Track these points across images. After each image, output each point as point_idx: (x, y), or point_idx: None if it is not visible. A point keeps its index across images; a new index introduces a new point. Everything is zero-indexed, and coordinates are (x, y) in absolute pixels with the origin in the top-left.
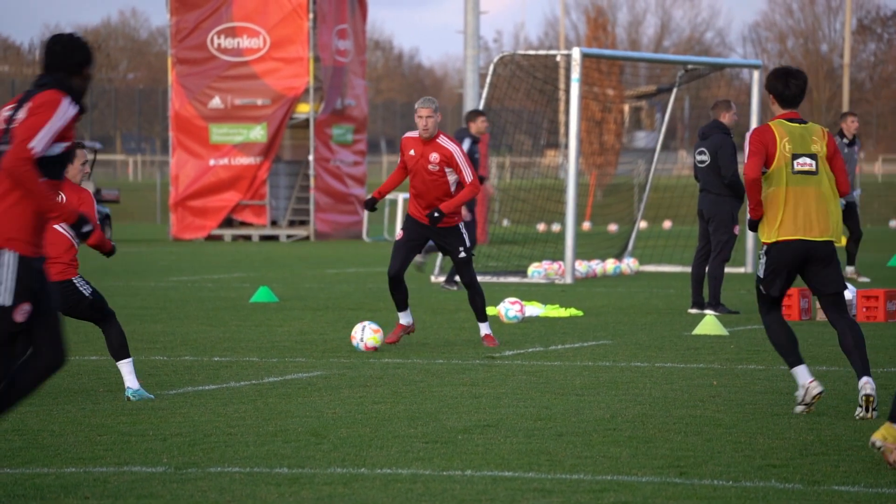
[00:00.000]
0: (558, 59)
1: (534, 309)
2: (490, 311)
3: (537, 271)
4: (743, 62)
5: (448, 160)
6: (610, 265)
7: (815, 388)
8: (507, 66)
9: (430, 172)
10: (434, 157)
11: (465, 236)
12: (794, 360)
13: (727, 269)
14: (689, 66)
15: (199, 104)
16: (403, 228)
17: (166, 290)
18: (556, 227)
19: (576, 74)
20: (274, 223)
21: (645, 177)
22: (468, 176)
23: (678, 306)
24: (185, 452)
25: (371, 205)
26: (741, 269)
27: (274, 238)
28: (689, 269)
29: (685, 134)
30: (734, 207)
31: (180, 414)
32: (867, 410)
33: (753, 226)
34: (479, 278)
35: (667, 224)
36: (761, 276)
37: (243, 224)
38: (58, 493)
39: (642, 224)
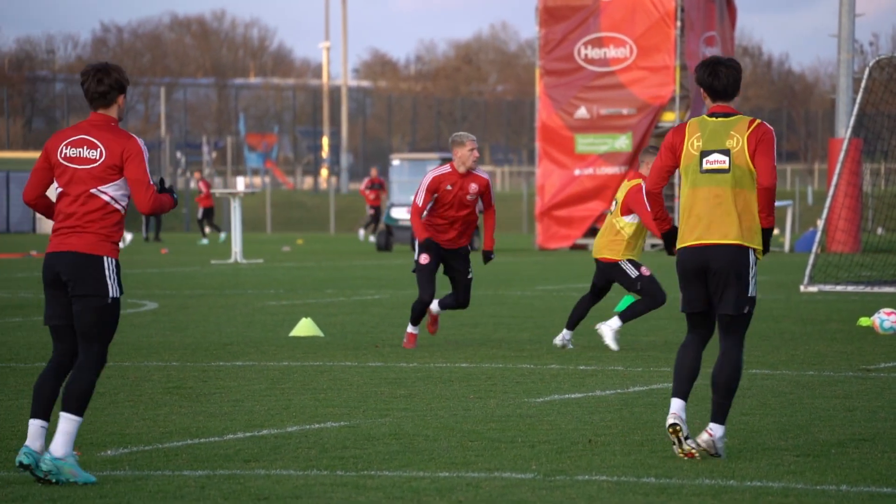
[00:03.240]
0: None
1: None
2: (864, 321)
3: None
4: None
5: (484, 189)
6: None
7: (669, 420)
8: (884, 70)
9: (466, 203)
10: (473, 187)
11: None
12: (675, 390)
13: None
14: None
15: (566, 114)
16: (428, 252)
17: (532, 300)
18: None
19: None
20: None
21: None
22: (493, 201)
23: None
24: (552, 460)
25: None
26: None
27: None
28: None
29: None
30: None
31: (547, 422)
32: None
33: (667, 242)
34: (852, 288)
35: None
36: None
37: None
38: (433, 496)
39: None
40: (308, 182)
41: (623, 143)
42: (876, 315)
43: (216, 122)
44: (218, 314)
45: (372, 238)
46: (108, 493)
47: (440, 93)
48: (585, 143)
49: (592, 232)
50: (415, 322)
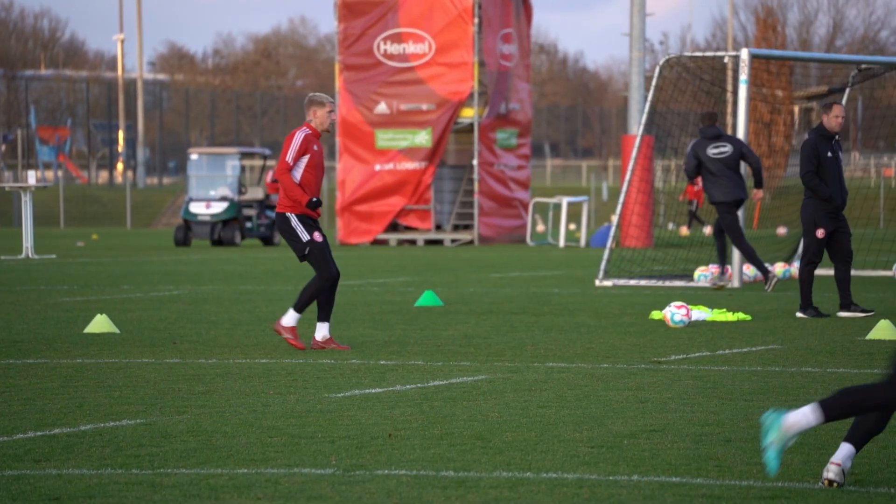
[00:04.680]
0: (726, 60)
1: (700, 313)
2: (656, 314)
3: (704, 275)
4: None
5: None
6: (779, 268)
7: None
8: (674, 69)
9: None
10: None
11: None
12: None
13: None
14: (863, 66)
15: (366, 110)
16: (319, 230)
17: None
18: None
19: (744, 76)
20: (438, 227)
21: None
22: None
23: None
24: (352, 455)
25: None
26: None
27: (438, 242)
28: (863, 273)
29: (858, 135)
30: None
31: (347, 416)
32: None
33: None
34: (644, 282)
35: None
36: None
37: (408, 228)
38: (231, 493)
39: None
40: (103, 176)
41: (423, 138)
42: (667, 308)
43: (5, 115)
44: (8, 310)
45: None
46: None
47: (239, 87)
48: (386, 139)
49: (393, 227)
50: (301, 309)
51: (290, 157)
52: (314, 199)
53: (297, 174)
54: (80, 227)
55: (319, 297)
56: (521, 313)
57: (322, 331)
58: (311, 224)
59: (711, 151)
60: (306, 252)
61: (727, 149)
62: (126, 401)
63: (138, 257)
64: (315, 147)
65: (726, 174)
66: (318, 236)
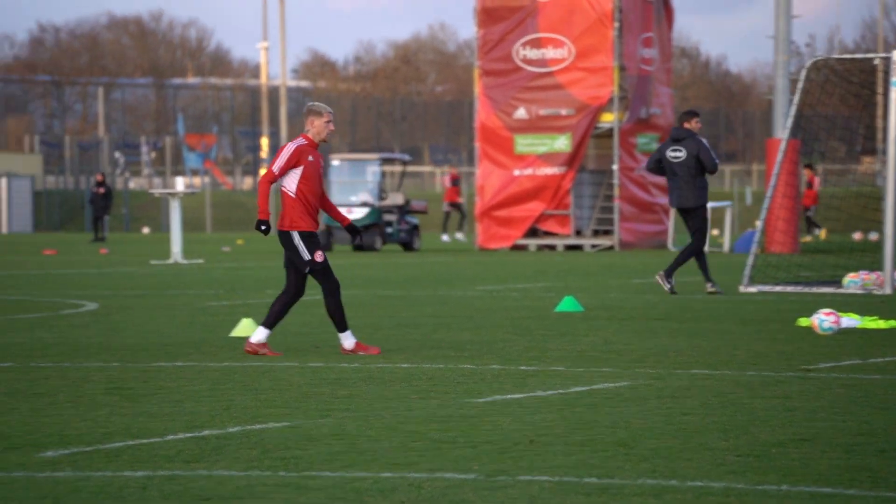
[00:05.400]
0: (876, 62)
1: (850, 320)
2: (803, 321)
3: (853, 281)
4: None
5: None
6: None
7: None
8: (821, 71)
9: (321, 178)
10: (321, 161)
11: None
12: None
13: None
14: None
15: (505, 115)
16: (319, 248)
17: (472, 300)
18: (873, 237)
19: (895, 78)
20: (578, 233)
21: None
22: None
23: None
24: (494, 460)
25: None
26: None
27: (578, 248)
28: None
29: None
30: None
31: (489, 422)
32: None
33: None
34: (791, 288)
35: None
36: None
37: (548, 234)
38: (375, 496)
39: None
40: (248, 182)
41: (562, 143)
42: (815, 315)
43: (155, 122)
44: (158, 315)
45: (460, 235)
46: (48, 494)
47: (379, 93)
48: (525, 144)
49: (532, 232)
50: (343, 328)
51: (276, 168)
52: (262, 226)
53: (292, 186)
54: (226, 233)
55: (284, 310)
56: (664, 319)
57: (259, 335)
58: (313, 242)
59: (669, 154)
60: (307, 271)
61: (682, 153)
62: (272, 404)
63: (281, 262)
64: (310, 157)
65: (678, 179)
66: (318, 256)
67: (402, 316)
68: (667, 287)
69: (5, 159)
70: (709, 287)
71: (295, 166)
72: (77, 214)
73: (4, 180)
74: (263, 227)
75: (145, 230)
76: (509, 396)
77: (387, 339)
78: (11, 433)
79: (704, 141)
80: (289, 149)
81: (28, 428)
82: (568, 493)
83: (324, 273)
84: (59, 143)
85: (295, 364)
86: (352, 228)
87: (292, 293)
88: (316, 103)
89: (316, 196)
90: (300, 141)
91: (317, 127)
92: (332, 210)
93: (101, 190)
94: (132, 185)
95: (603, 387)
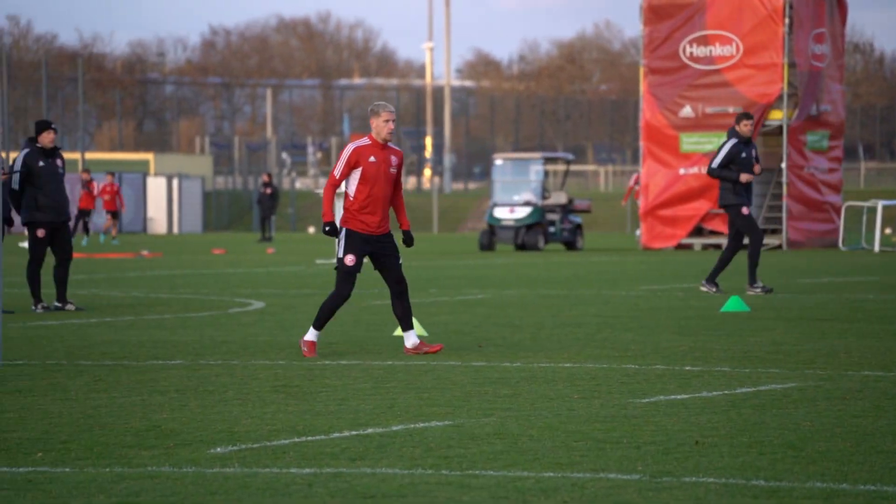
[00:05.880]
0: None
1: None
2: None
3: None
4: None
5: (401, 162)
6: None
7: None
8: None
9: (390, 178)
10: (394, 160)
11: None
12: None
13: None
14: None
15: (670, 113)
16: (354, 253)
17: (636, 299)
18: None
19: None
20: None
21: None
22: (401, 178)
23: None
24: (658, 461)
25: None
26: None
27: (744, 247)
28: None
29: None
30: None
31: (653, 422)
32: None
33: None
34: None
35: None
36: None
37: (713, 233)
38: (538, 496)
39: None
40: (411, 182)
41: None
42: None
43: (321, 123)
44: None
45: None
46: (217, 490)
47: (543, 92)
48: (690, 143)
49: (697, 231)
50: (319, 326)
51: (337, 172)
52: (326, 227)
53: (351, 187)
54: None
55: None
56: (833, 320)
57: (411, 338)
58: (354, 244)
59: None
60: (335, 267)
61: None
62: (434, 402)
63: (444, 261)
64: (372, 158)
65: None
66: (349, 260)
67: (566, 315)
68: (759, 290)
69: (177, 161)
70: (751, 289)
71: (355, 167)
72: (245, 214)
73: (176, 181)
74: (327, 229)
75: (311, 230)
76: (673, 397)
77: (549, 339)
78: (182, 429)
79: (728, 144)
80: (347, 150)
81: (198, 424)
82: (735, 495)
83: (345, 278)
84: (228, 144)
85: (458, 363)
86: (407, 235)
87: (398, 290)
88: (377, 102)
89: (377, 197)
90: (361, 142)
91: (376, 127)
92: (399, 210)
93: (269, 190)
94: (298, 185)
95: (770, 388)
